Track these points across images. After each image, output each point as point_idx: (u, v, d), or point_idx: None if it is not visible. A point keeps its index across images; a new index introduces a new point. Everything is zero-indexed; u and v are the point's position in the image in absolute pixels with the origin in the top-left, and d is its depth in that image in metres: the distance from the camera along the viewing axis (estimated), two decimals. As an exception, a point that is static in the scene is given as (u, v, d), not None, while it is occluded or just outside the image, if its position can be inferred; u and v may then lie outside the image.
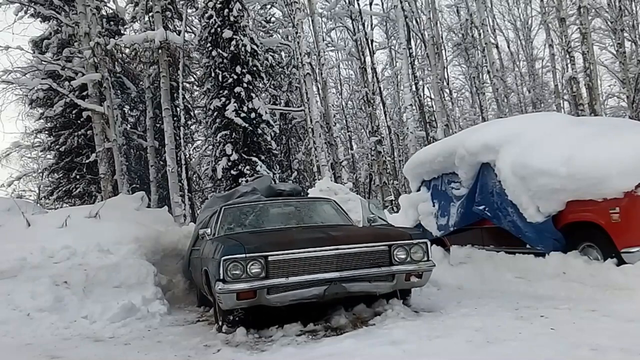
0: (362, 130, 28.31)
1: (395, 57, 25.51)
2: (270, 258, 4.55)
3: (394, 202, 17.03)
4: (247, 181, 11.80)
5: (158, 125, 15.51)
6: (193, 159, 20.28)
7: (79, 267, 6.37)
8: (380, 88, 21.96)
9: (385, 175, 20.41)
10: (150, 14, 14.79)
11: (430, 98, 24.17)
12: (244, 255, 4.50)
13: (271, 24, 22.20)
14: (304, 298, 4.68)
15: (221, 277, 4.50)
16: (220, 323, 5.14)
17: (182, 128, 14.76)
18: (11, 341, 5.34)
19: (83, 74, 12.95)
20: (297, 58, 14.71)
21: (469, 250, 7.25)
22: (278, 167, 17.23)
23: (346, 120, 28.25)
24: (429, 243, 5.08)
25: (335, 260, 4.70)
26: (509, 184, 6.14)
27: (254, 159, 13.74)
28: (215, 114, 14.35)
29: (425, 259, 5.01)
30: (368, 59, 20.55)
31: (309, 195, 9.21)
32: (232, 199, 7.04)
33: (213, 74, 14.27)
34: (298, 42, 14.05)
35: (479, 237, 7.27)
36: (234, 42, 14.02)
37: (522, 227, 6.08)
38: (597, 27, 21.10)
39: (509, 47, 27.35)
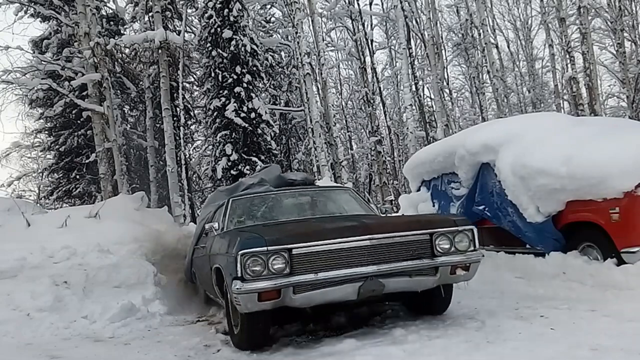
0: (362, 130, 28.31)
1: (395, 57, 25.51)
2: (294, 251, 3.95)
3: (393, 202, 17.02)
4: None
5: (158, 125, 15.51)
6: (193, 159, 20.29)
7: (79, 267, 6.36)
8: (380, 88, 21.98)
9: (385, 175, 20.41)
10: (150, 14, 14.80)
11: (430, 98, 24.20)
12: (264, 248, 3.89)
13: (271, 24, 22.20)
14: (335, 298, 4.08)
15: (239, 275, 3.90)
16: (235, 329, 4.52)
17: (182, 128, 14.76)
18: (11, 341, 5.33)
19: (83, 74, 12.94)
20: (297, 58, 14.71)
21: (469, 250, 7.24)
22: (278, 167, 17.18)
23: (346, 120, 28.24)
24: (475, 230, 4.47)
25: (370, 251, 4.08)
26: (508, 184, 6.14)
27: (254, 159, 13.74)
28: (215, 114, 14.36)
29: (472, 248, 4.40)
30: (368, 59, 20.56)
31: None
32: (237, 192, 6.45)
33: (213, 74, 14.28)
34: (298, 42, 14.05)
35: (479, 237, 7.25)
36: (233, 42, 14.03)
37: (522, 227, 6.08)
38: (597, 27, 21.10)
39: (508, 47, 27.38)
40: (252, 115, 14.02)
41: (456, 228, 4.36)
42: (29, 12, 15.20)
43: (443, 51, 22.29)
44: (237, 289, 3.88)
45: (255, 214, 5.68)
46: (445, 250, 4.28)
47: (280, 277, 3.89)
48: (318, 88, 17.55)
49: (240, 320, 4.33)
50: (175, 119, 14.81)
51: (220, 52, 14.03)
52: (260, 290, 3.87)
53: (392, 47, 25.23)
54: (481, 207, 6.78)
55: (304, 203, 5.94)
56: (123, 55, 16.12)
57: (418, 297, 4.60)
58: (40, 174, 17.18)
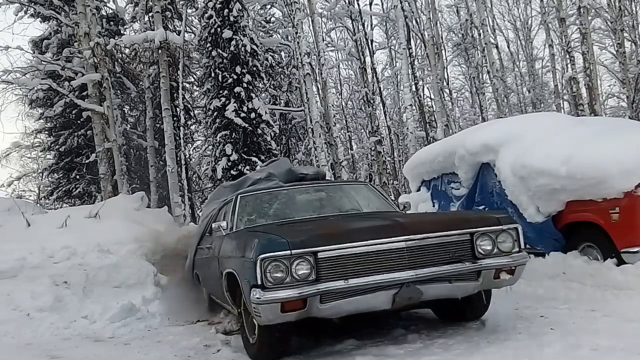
0: (362, 131, 28.29)
1: (395, 57, 25.50)
2: (320, 255, 3.52)
3: (393, 202, 17.00)
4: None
5: (158, 125, 15.51)
6: (193, 159, 20.28)
7: (79, 267, 6.37)
8: (380, 88, 21.96)
9: (385, 176, 20.40)
10: (150, 14, 14.80)
11: (430, 98, 24.18)
12: (288, 252, 3.48)
13: (271, 24, 22.19)
14: (367, 308, 3.66)
15: (259, 282, 3.48)
16: (251, 339, 4.11)
17: (182, 128, 14.76)
18: (11, 341, 5.34)
19: (83, 74, 12.95)
20: (297, 58, 14.70)
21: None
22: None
23: (346, 121, 28.23)
24: (520, 229, 4.06)
25: (407, 254, 3.64)
26: (508, 184, 6.13)
27: (254, 159, 13.72)
28: (215, 114, 14.35)
29: (517, 249, 3.96)
30: (368, 59, 20.54)
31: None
32: (243, 187, 6.03)
33: (213, 74, 14.27)
34: (298, 42, 14.04)
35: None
36: (233, 42, 14.02)
37: (522, 227, 6.07)
38: (597, 27, 21.09)
39: (508, 47, 27.35)
40: (252, 115, 14.02)
41: (500, 227, 3.94)
42: (29, 12, 15.20)
43: (443, 51, 22.28)
44: (257, 298, 3.47)
45: (267, 212, 5.24)
46: (488, 252, 3.86)
47: (305, 285, 3.48)
48: (318, 88, 17.54)
49: (258, 332, 3.94)
50: (175, 119, 14.81)
51: (220, 52, 14.02)
52: (284, 300, 3.46)
53: (392, 47, 25.22)
54: (481, 208, 6.78)
55: (320, 199, 5.46)
56: (123, 55, 16.12)
57: (451, 303, 4.15)
58: (40, 174, 17.19)
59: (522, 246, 4.02)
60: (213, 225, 5.06)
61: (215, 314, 5.91)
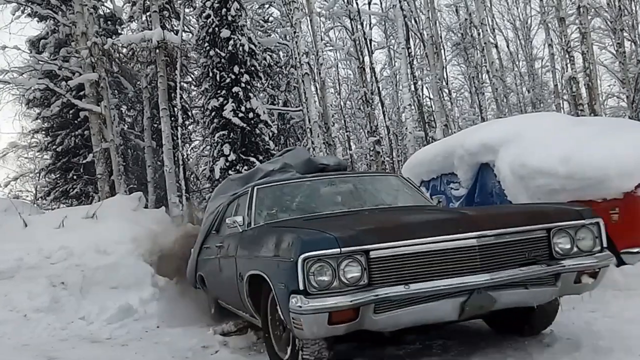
0: (361, 130, 28.29)
1: (394, 57, 25.49)
2: (373, 254, 2.95)
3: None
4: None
5: (155, 125, 15.46)
6: (191, 159, 20.24)
7: (76, 267, 6.35)
8: (379, 88, 21.93)
9: (383, 175, 20.34)
10: (148, 14, 14.73)
11: (429, 98, 24.19)
12: (337, 249, 2.90)
13: (269, 24, 22.18)
14: (431, 319, 3.12)
15: (301, 288, 2.90)
16: (282, 355, 3.56)
17: (179, 128, 14.73)
18: (8, 342, 5.33)
19: (80, 74, 12.93)
20: (295, 58, 14.66)
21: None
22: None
23: (344, 120, 28.21)
24: (602, 224, 3.42)
25: (479, 254, 3.06)
26: (508, 184, 6.12)
27: (252, 159, 13.69)
28: (213, 114, 14.32)
29: (599, 248, 3.35)
30: (367, 58, 20.51)
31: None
32: (253, 180, 5.47)
33: (211, 74, 14.25)
34: (296, 42, 14.01)
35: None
36: (231, 42, 14.00)
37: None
38: (596, 27, 21.11)
39: (508, 46, 27.35)
40: (250, 115, 13.99)
41: (581, 222, 3.32)
42: (26, 11, 15.17)
43: (442, 51, 22.25)
44: (299, 307, 2.90)
45: (289, 206, 4.63)
46: (566, 251, 3.28)
47: (357, 291, 2.91)
48: (316, 88, 17.53)
49: (292, 346, 3.38)
50: (172, 119, 14.77)
51: (218, 51, 14.00)
52: (334, 309, 2.87)
53: (391, 46, 25.21)
54: (480, 207, 6.77)
55: (349, 192, 4.81)
56: (120, 55, 16.06)
57: (510, 312, 3.50)
58: (38, 175, 17.16)
59: (605, 244, 3.40)
60: (227, 220, 4.48)
61: (222, 321, 5.46)
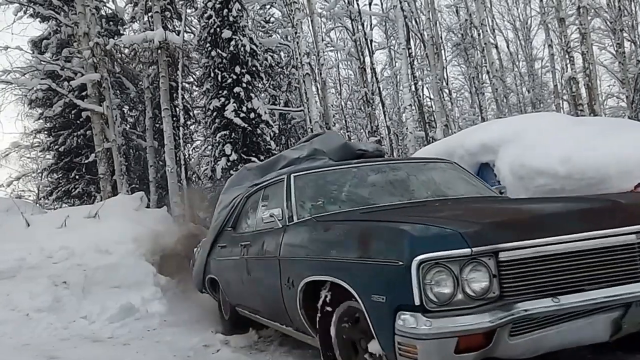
0: (362, 131, 28.28)
1: (394, 57, 25.51)
2: (503, 256, 2.24)
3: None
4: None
5: (157, 125, 15.49)
6: (192, 159, 20.25)
7: (78, 267, 6.38)
8: (379, 88, 21.94)
9: (384, 176, 20.36)
10: (150, 14, 14.77)
11: (430, 98, 24.20)
12: (468, 250, 2.19)
13: (270, 24, 22.19)
14: (578, 341, 2.44)
15: (417, 303, 2.19)
16: None
17: (181, 128, 14.76)
18: (10, 341, 5.34)
19: (82, 74, 12.96)
20: (297, 58, 14.69)
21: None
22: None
23: (345, 121, 28.21)
24: None
25: None
26: (507, 184, 6.12)
27: (253, 159, 13.71)
28: (214, 114, 14.34)
29: None
30: (367, 59, 20.54)
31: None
32: (274, 169, 4.95)
33: (212, 74, 14.26)
34: (297, 42, 14.03)
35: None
36: (233, 42, 14.02)
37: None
38: (596, 27, 21.11)
39: (508, 47, 27.38)
40: (252, 115, 14.01)
41: None
42: (28, 12, 15.18)
43: (442, 51, 22.29)
44: (414, 328, 2.18)
45: (337, 196, 3.84)
46: None
47: (491, 307, 2.20)
48: (317, 88, 17.55)
49: None
50: (174, 119, 14.80)
51: (220, 52, 14.02)
52: (466, 333, 2.14)
53: (392, 47, 25.23)
54: (480, 207, 6.78)
55: (402, 180, 4.02)
56: (122, 55, 16.11)
57: None
58: (40, 174, 17.18)
59: None
60: (262, 215, 3.76)
61: (236, 330, 4.97)
